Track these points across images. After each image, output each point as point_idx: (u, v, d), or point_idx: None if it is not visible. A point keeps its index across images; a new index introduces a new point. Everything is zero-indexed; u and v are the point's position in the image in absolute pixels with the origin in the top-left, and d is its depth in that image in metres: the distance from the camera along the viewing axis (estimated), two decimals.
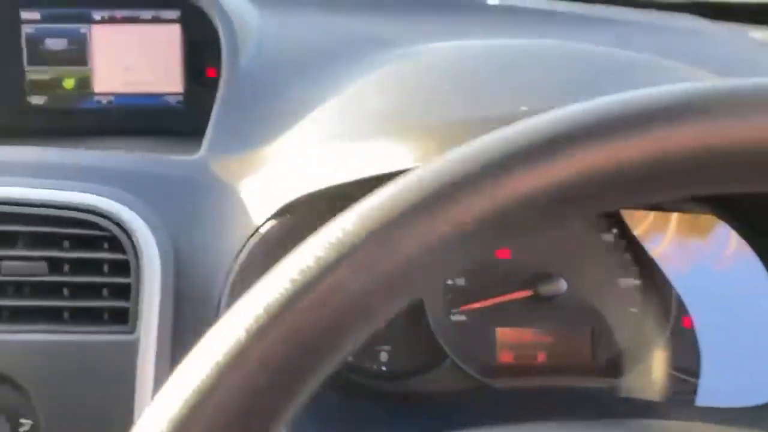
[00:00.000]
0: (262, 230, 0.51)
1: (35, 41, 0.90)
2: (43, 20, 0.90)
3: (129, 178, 0.56)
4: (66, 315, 0.52)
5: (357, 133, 0.51)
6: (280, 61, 0.71)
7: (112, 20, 0.90)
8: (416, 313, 0.61)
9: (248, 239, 0.52)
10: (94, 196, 0.53)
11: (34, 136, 0.88)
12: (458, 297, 0.61)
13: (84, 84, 0.91)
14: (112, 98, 0.92)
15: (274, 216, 0.52)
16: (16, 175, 0.55)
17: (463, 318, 0.60)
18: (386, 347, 0.61)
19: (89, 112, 0.91)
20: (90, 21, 0.90)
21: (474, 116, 0.46)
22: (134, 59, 0.91)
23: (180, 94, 0.91)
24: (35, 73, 0.91)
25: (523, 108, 0.44)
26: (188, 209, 0.55)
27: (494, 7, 0.97)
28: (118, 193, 0.54)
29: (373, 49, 0.76)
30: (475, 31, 0.88)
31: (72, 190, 0.54)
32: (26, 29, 0.90)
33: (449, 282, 0.61)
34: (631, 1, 1.05)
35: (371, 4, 0.96)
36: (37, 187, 0.54)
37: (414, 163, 0.45)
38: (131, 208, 0.53)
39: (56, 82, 0.91)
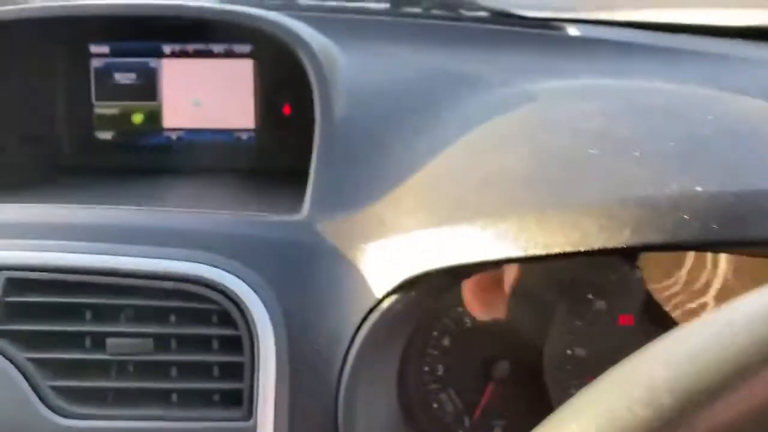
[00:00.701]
0: (385, 305, 0.46)
1: (104, 75, 0.86)
2: (113, 54, 0.86)
3: (232, 243, 0.51)
4: (174, 397, 0.47)
5: (487, 200, 0.46)
6: (373, 106, 0.66)
7: (182, 54, 0.86)
8: (534, 384, 0.56)
9: (368, 313, 0.47)
10: (203, 265, 0.48)
11: (100, 172, 0.85)
12: (579, 368, 0.56)
13: (153, 119, 0.87)
14: (181, 134, 0.87)
15: (397, 290, 0.47)
16: (109, 241, 0.50)
17: None
18: (501, 422, 0.56)
19: (158, 147, 0.87)
20: (160, 55, 0.86)
21: (636, 192, 0.40)
22: (205, 94, 0.86)
23: (252, 130, 0.87)
24: (103, 108, 0.87)
25: (698, 188, 0.38)
26: (297, 277, 0.50)
27: (576, 38, 0.92)
28: (224, 261, 0.49)
29: (470, 88, 0.71)
30: (564, 66, 0.83)
31: (176, 258, 0.49)
32: (95, 63, 0.86)
33: (569, 352, 0.56)
34: (713, 30, 0.99)
35: (448, 39, 0.92)
36: (137, 255, 0.49)
37: (567, 247, 0.40)
38: (241, 277, 0.48)
39: (124, 117, 0.87)
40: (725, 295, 0.56)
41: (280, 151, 0.86)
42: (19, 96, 0.81)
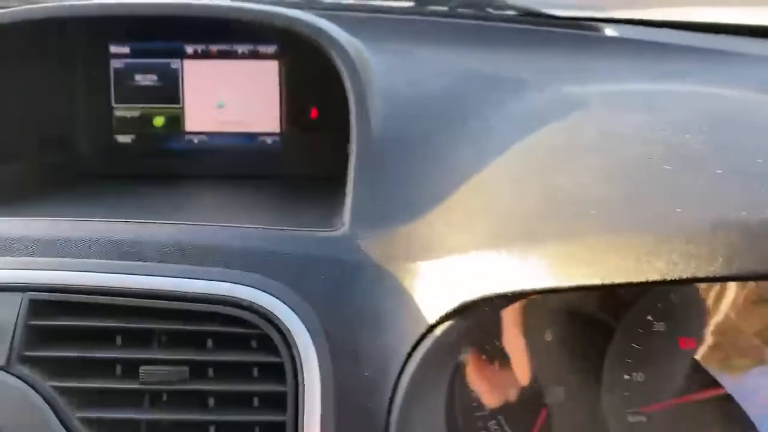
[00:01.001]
0: (438, 331, 0.42)
1: (124, 77, 0.83)
2: (133, 55, 0.82)
3: (271, 261, 0.47)
4: (212, 430, 0.43)
5: (555, 220, 0.42)
6: (412, 112, 0.62)
7: (205, 55, 0.82)
8: (589, 410, 0.52)
9: (420, 340, 0.43)
10: (241, 286, 0.45)
11: (120, 178, 0.81)
12: (637, 394, 0.52)
13: (174, 122, 0.83)
14: (204, 137, 0.83)
15: (451, 315, 0.43)
16: (140, 258, 0.46)
17: (642, 419, 0.51)
18: None
19: (179, 152, 0.83)
20: (182, 55, 0.82)
21: (726, 216, 0.36)
22: (228, 96, 0.83)
23: (277, 134, 0.83)
24: (123, 111, 0.83)
25: None
26: (341, 299, 0.46)
27: (612, 39, 0.87)
28: (264, 281, 0.46)
29: (510, 92, 0.66)
30: (601, 67, 0.79)
31: (212, 278, 0.45)
32: (115, 64, 0.83)
33: (626, 377, 0.52)
34: (753, 30, 0.94)
35: (478, 39, 0.88)
36: (170, 275, 0.45)
37: (652, 275, 0.36)
38: (281, 299, 0.45)
39: (145, 120, 0.83)
40: None
41: (306, 156, 0.82)
42: (37, 98, 0.78)
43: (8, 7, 0.99)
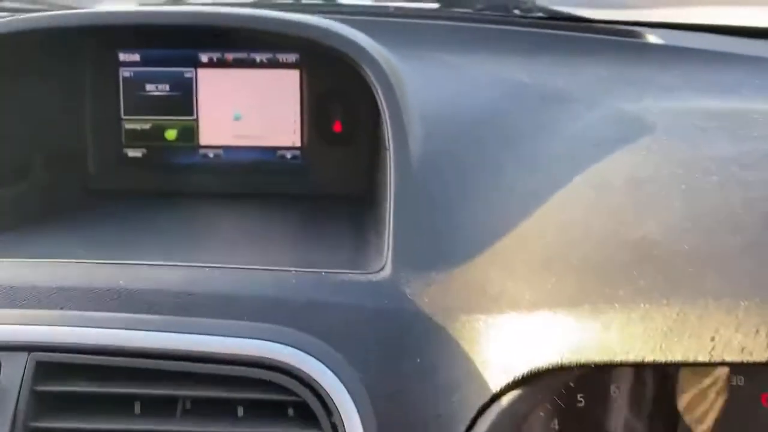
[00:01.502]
0: (504, 402, 0.36)
1: (134, 86, 0.76)
2: (143, 63, 0.76)
3: (306, 312, 0.41)
4: None
5: (643, 277, 0.36)
6: (454, 132, 0.56)
7: (221, 63, 0.76)
8: None
9: (483, 410, 0.37)
10: (277, 345, 0.39)
11: (130, 195, 0.74)
12: None
13: (188, 135, 0.77)
14: (219, 152, 0.77)
15: (518, 384, 0.37)
16: (158, 311, 0.40)
17: None
18: None
19: (193, 167, 0.77)
20: (196, 64, 0.76)
21: None
22: (246, 108, 0.76)
23: (298, 148, 0.76)
24: (133, 123, 0.77)
25: None
26: (388, 358, 0.40)
27: (656, 46, 0.81)
28: (302, 339, 0.40)
29: (559, 109, 0.60)
30: (648, 77, 0.72)
31: (240, 335, 0.39)
32: (124, 73, 0.76)
33: None
34: None
35: (511, 45, 0.81)
36: (194, 331, 0.39)
37: (761, 355, 0.30)
38: (324, 362, 0.39)
39: (156, 133, 0.77)
40: None
41: (329, 172, 0.75)
42: (40, 111, 0.71)
43: (8, 11, 0.93)
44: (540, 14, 0.96)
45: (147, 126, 0.77)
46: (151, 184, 0.76)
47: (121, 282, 0.41)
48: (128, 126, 0.77)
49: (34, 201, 0.67)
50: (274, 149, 0.77)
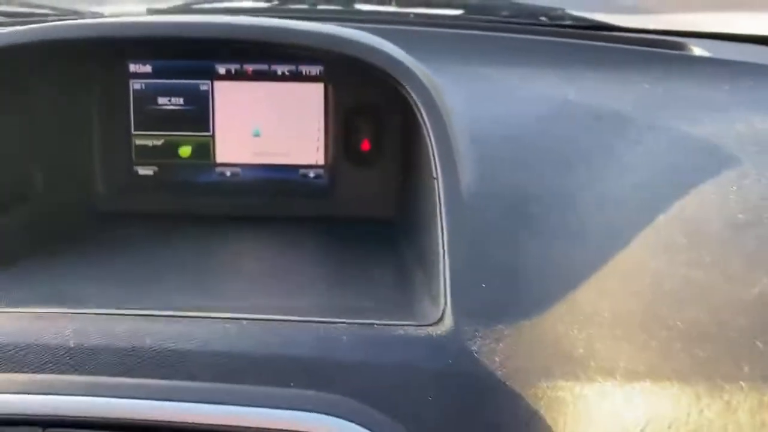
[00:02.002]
0: None
1: (145, 100, 0.70)
2: (156, 74, 0.70)
3: (357, 374, 0.36)
4: None
5: (744, 350, 0.30)
6: (504, 157, 0.50)
7: (239, 75, 0.70)
8: None
9: None
10: (333, 420, 0.33)
11: (140, 218, 0.68)
12: None
13: (203, 152, 0.71)
14: (237, 170, 0.71)
15: None
16: (186, 375, 0.34)
17: None
18: None
19: (209, 187, 0.71)
20: (213, 76, 0.70)
21: None
22: (266, 123, 0.70)
23: (321, 167, 0.71)
24: (144, 138, 0.71)
25: None
26: (452, 426, 0.35)
27: (701, 59, 0.75)
28: (353, 407, 0.34)
29: (610, 127, 0.55)
30: (699, 94, 0.67)
31: (288, 405, 0.33)
32: (134, 85, 0.70)
33: None
34: None
35: (545, 57, 0.75)
36: (233, 402, 0.33)
37: None
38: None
39: (169, 150, 0.71)
40: None
41: (355, 194, 0.70)
42: (44, 127, 0.65)
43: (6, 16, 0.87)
44: (570, 23, 0.91)
45: (159, 142, 0.71)
46: (163, 205, 0.70)
47: (147, 341, 0.35)
48: (139, 142, 0.71)
49: (36, 229, 0.60)
50: (296, 168, 0.71)
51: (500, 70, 0.70)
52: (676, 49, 0.78)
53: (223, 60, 0.69)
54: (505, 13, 0.93)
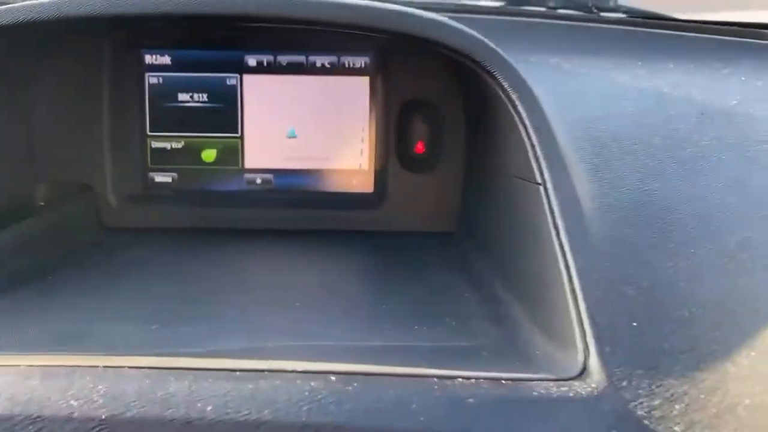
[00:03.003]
0: None
1: (162, 95, 0.60)
2: (175, 66, 0.60)
3: None
4: None
5: None
6: (616, 160, 0.41)
7: (272, 68, 0.60)
8: None
9: None
10: None
11: (156, 231, 0.58)
12: None
13: (230, 156, 0.61)
14: (269, 177, 0.61)
15: None
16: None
17: None
18: None
19: (236, 196, 0.61)
20: (241, 68, 0.60)
21: None
22: (302, 123, 0.61)
23: (367, 172, 0.61)
24: (161, 140, 0.61)
25: None
26: None
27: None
28: None
29: (720, 122, 0.46)
30: None
31: None
32: (150, 78, 0.60)
33: None
34: None
35: (603, 46, 0.67)
36: None
37: None
38: None
39: (190, 154, 0.61)
40: None
41: (408, 204, 0.60)
42: (46, 127, 0.55)
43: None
44: (621, 14, 0.82)
45: (179, 144, 0.61)
46: (182, 219, 0.60)
47: (208, 409, 0.26)
48: (155, 144, 0.61)
49: (36, 249, 0.50)
50: (337, 174, 0.61)
51: (569, 60, 0.61)
52: (757, 39, 0.70)
53: (254, 50, 0.60)
54: (552, 3, 0.84)
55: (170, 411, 0.26)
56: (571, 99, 0.49)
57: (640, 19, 0.80)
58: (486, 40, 0.42)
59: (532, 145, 0.39)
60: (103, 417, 0.25)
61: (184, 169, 0.61)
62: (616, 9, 0.83)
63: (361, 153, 0.61)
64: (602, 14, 0.82)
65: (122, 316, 0.39)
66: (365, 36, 0.54)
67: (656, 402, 0.28)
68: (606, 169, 0.40)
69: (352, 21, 0.41)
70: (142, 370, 0.28)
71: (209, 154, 0.61)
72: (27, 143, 0.54)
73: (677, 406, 0.28)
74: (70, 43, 0.56)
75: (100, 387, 0.27)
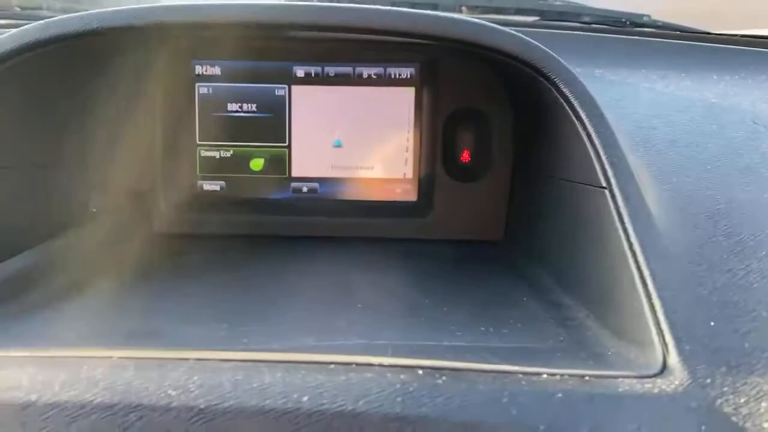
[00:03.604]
0: None
1: (212, 105, 0.61)
2: (225, 77, 0.61)
3: None
4: None
5: None
6: (677, 165, 0.41)
7: (320, 79, 0.61)
8: None
9: None
10: None
11: (205, 238, 0.59)
12: None
13: (278, 165, 0.62)
14: (314, 185, 0.62)
15: None
16: None
17: None
18: None
19: (281, 205, 0.62)
20: (290, 79, 0.61)
21: None
22: (349, 133, 0.62)
23: (410, 181, 0.62)
24: (211, 149, 0.62)
25: None
26: None
27: None
28: None
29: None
30: None
31: None
32: (200, 89, 0.61)
33: None
34: None
35: (643, 58, 0.68)
36: None
37: None
38: None
39: (239, 162, 0.62)
40: None
41: (455, 213, 0.61)
42: (99, 138, 0.56)
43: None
44: (651, 28, 0.84)
45: (228, 153, 0.62)
46: (230, 225, 0.61)
47: (304, 399, 0.26)
48: (204, 153, 0.62)
49: (93, 254, 0.51)
50: (383, 183, 0.62)
51: (614, 71, 0.62)
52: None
53: (302, 62, 0.61)
54: (585, 18, 0.85)
55: (267, 402, 0.26)
56: (622, 107, 0.50)
57: (672, 32, 0.82)
58: (546, 49, 0.43)
59: (596, 150, 0.40)
60: (202, 407, 0.26)
61: (232, 178, 0.62)
62: (649, 24, 0.84)
63: (406, 162, 0.62)
64: (635, 28, 0.83)
65: (189, 316, 0.39)
66: (412, 47, 0.56)
67: (742, 400, 0.28)
68: (668, 174, 0.40)
69: (417, 30, 0.42)
70: (234, 362, 0.28)
71: (257, 163, 0.62)
72: (82, 152, 0.55)
73: (764, 404, 0.28)
74: (124, 53, 0.57)
75: (195, 378, 0.27)
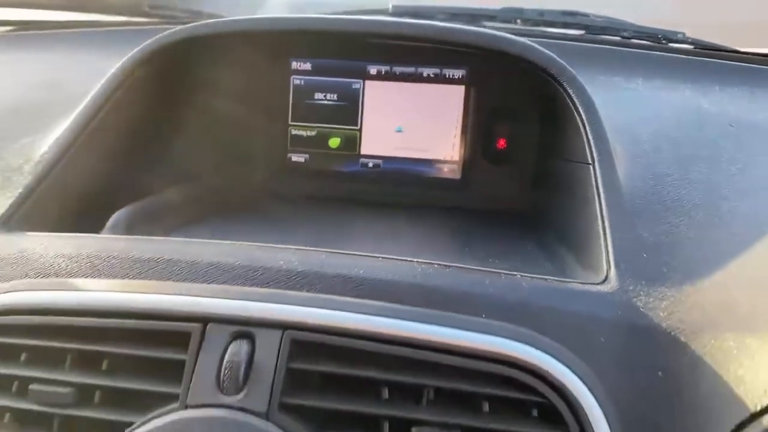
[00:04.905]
0: (766, 421, 0.35)
1: (303, 94, 0.79)
2: (314, 72, 0.79)
3: (542, 316, 0.41)
4: None
5: None
6: (650, 150, 0.56)
7: (388, 76, 0.78)
8: None
9: (739, 428, 0.37)
10: (522, 345, 0.39)
11: (291, 197, 0.77)
12: None
13: (350, 144, 0.79)
14: (379, 162, 0.79)
15: None
16: (395, 299, 0.41)
17: None
18: None
19: (352, 175, 0.79)
20: (364, 76, 0.78)
21: None
22: (408, 121, 0.78)
23: (456, 162, 0.78)
24: (299, 129, 0.80)
25: None
26: (632, 368, 0.40)
27: None
28: (541, 340, 0.40)
29: (745, 131, 0.59)
30: None
31: (485, 331, 0.40)
32: (295, 80, 0.80)
33: None
34: None
35: (666, 71, 0.81)
36: (439, 324, 0.40)
37: None
38: (567, 364, 0.39)
39: (321, 140, 0.80)
40: None
41: (488, 188, 0.76)
42: (221, 115, 0.75)
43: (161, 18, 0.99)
44: (689, 46, 0.95)
45: (312, 133, 0.80)
46: (310, 189, 0.79)
47: (360, 272, 0.43)
48: (294, 132, 0.80)
49: (203, 202, 0.70)
50: (433, 162, 0.78)
51: (630, 81, 0.76)
52: None
53: (375, 62, 0.78)
54: (624, 34, 0.98)
55: (340, 270, 0.43)
56: (622, 105, 0.64)
57: (706, 50, 0.93)
58: (558, 59, 0.58)
59: (587, 133, 0.55)
60: (299, 270, 0.43)
61: (314, 152, 0.80)
62: (683, 40, 0.96)
63: (453, 147, 0.78)
64: (670, 44, 0.96)
65: (285, 240, 0.57)
66: (463, 53, 0.72)
67: (650, 298, 0.43)
68: (642, 155, 0.55)
69: (476, 43, 0.59)
70: (319, 251, 0.46)
71: (335, 142, 0.80)
72: (205, 128, 0.74)
73: (664, 303, 0.43)
74: (236, 52, 0.76)
75: (296, 256, 0.45)
